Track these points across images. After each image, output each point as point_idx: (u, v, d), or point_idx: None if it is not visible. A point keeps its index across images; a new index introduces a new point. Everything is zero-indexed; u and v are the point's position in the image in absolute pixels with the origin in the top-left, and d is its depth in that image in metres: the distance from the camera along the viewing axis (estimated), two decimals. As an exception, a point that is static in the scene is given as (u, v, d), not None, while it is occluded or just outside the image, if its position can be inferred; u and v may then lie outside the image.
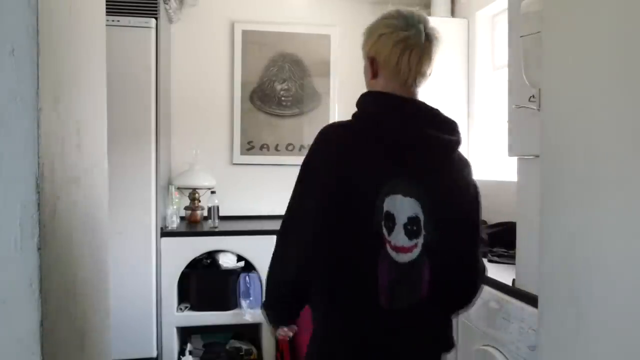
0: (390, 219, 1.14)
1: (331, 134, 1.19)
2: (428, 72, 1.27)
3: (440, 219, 1.18)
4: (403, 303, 1.15)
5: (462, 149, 1.30)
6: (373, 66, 1.24)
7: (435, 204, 1.18)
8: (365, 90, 1.26)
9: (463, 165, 1.28)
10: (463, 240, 1.23)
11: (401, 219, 1.15)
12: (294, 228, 1.19)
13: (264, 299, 1.32)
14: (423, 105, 1.26)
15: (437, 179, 1.20)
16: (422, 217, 1.16)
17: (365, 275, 1.13)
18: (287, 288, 1.22)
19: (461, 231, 1.23)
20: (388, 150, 1.17)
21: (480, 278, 1.30)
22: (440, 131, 1.22)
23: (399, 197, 1.15)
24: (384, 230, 1.13)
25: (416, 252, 1.15)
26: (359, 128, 1.19)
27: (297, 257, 1.18)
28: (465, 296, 1.30)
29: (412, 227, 1.15)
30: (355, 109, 1.24)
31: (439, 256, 1.17)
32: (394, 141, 1.17)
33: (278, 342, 2.99)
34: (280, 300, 1.26)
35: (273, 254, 1.23)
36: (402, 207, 1.15)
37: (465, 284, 1.28)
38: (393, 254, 1.13)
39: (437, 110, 1.26)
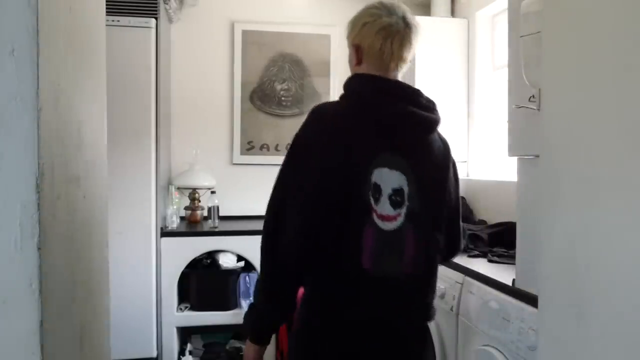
0: (377, 189, 1.23)
1: (324, 112, 1.28)
2: (409, 57, 1.35)
3: (422, 191, 1.28)
4: (386, 269, 1.23)
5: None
6: (358, 53, 1.33)
7: (418, 177, 1.28)
8: None
9: (442, 142, 1.39)
10: (443, 210, 1.35)
11: (386, 190, 1.24)
12: (293, 200, 1.23)
13: (259, 286, 1.29)
14: (406, 86, 1.33)
15: (420, 153, 1.31)
16: (406, 189, 1.26)
17: (352, 240, 1.21)
18: (292, 258, 1.23)
19: (442, 202, 1.35)
20: (376, 126, 1.26)
21: (461, 241, 1.48)
22: (422, 109, 1.31)
23: (386, 170, 1.25)
24: (371, 200, 1.22)
25: (400, 220, 1.25)
26: (349, 107, 1.29)
27: (301, 227, 1.21)
28: (449, 256, 1.49)
29: (396, 198, 1.25)
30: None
31: (421, 224, 1.28)
32: (381, 118, 1.26)
33: (278, 343, 2.99)
34: (284, 278, 1.25)
35: (269, 232, 1.25)
36: (388, 179, 1.25)
37: (449, 247, 1.42)
38: (379, 221, 1.23)
39: (418, 90, 1.34)
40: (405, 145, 1.29)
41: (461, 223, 1.47)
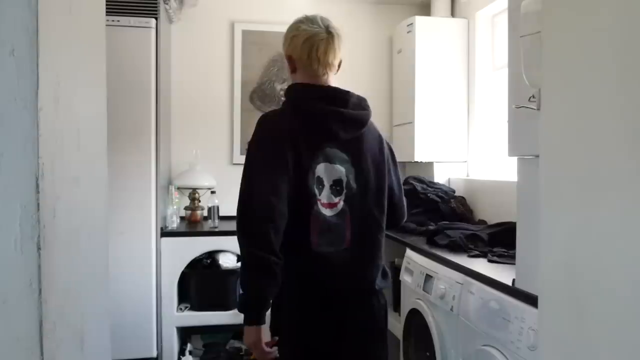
0: (320, 182, 1.48)
1: (274, 119, 1.50)
2: (336, 62, 1.55)
3: (360, 178, 1.53)
4: (330, 246, 1.47)
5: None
6: (291, 63, 1.55)
7: (356, 166, 1.53)
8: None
9: (376, 134, 1.62)
10: (384, 190, 1.59)
11: (328, 182, 1.49)
12: (261, 189, 1.41)
13: (247, 261, 1.42)
14: (337, 90, 1.55)
15: (355, 146, 1.54)
16: (344, 179, 1.51)
17: (302, 224, 1.45)
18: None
19: (381, 184, 1.58)
20: (315, 128, 1.49)
21: (405, 212, 1.75)
22: (353, 109, 1.53)
23: (327, 164, 1.49)
24: (316, 191, 1.47)
25: (340, 206, 1.50)
26: (290, 113, 1.50)
27: (275, 211, 1.40)
28: (394, 225, 1.72)
29: (336, 187, 1.50)
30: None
31: (358, 207, 1.52)
32: (319, 121, 1.49)
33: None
34: (266, 248, 1.38)
35: (246, 210, 1.42)
36: (329, 172, 1.49)
37: (394, 217, 1.67)
38: (322, 209, 1.48)
39: (347, 92, 1.54)
40: (341, 140, 1.51)
41: (404, 197, 1.74)
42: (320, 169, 1.47)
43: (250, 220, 1.41)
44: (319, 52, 1.50)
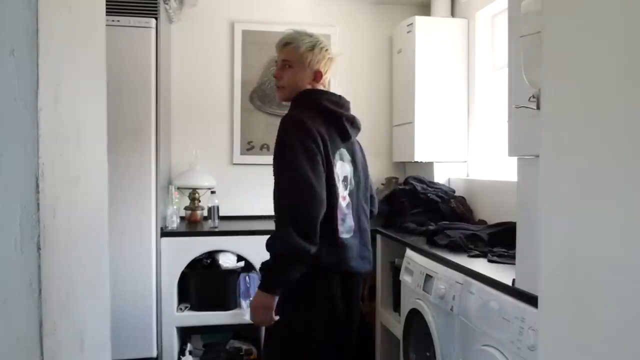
0: (336, 178, 1.71)
1: (303, 119, 1.68)
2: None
3: (357, 175, 1.83)
4: (347, 235, 1.75)
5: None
6: (317, 76, 1.79)
7: (355, 165, 1.83)
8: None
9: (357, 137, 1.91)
10: (369, 187, 1.93)
11: (341, 178, 1.75)
12: (310, 181, 1.59)
13: (289, 241, 1.56)
14: (342, 97, 1.83)
15: (354, 148, 1.86)
16: (349, 176, 1.80)
17: (331, 215, 1.68)
18: (315, 224, 1.60)
19: (367, 181, 1.91)
20: (335, 129, 1.75)
21: (377, 206, 2.04)
22: (350, 113, 1.83)
23: (341, 162, 1.76)
24: (337, 185, 1.71)
25: (347, 199, 1.78)
26: (316, 115, 1.72)
27: (321, 203, 1.61)
28: (372, 217, 1.98)
29: (345, 183, 1.78)
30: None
31: (356, 200, 1.82)
32: (339, 123, 1.76)
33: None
34: (310, 236, 1.58)
35: (298, 201, 1.60)
36: (342, 169, 1.76)
37: (371, 207, 1.96)
38: (340, 201, 1.73)
39: (345, 98, 1.84)
40: (349, 142, 1.81)
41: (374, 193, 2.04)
42: (338, 166, 1.73)
43: (302, 210, 1.58)
44: (330, 68, 1.83)
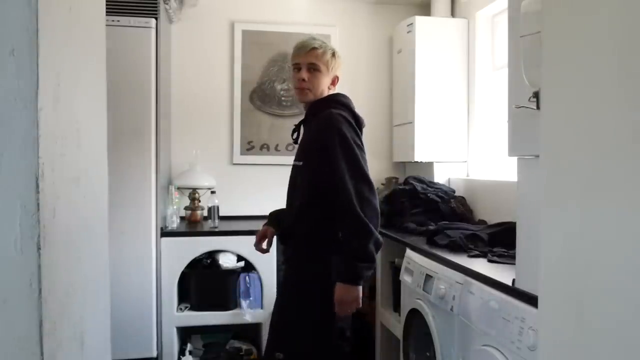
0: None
1: (351, 121, 1.82)
2: None
3: None
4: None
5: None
6: (334, 80, 1.93)
7: None
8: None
9: None
10: None
11: None
12: (369, 178, 1.77)
13: (372, 239, 1.69)
14: None
15: None
16: None
17: None
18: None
19: None
20: (361, 128, 1.88)
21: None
22: None
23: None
24: None
25: None
26: (351, 115, 1.85)
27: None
28: None
29: None
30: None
31: None
32: (360, 127, 1.87)
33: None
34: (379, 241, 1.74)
35: (371, 201, 1.73)
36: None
37: None
38: None
39: None
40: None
41: None
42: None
43: (371, 204, 1.72)
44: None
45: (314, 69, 1.86)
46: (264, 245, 1.99)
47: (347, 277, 1.72)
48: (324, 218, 1.81)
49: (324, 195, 1.78)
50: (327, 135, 1.77)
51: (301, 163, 1.87)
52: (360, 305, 1.77)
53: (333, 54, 1.89)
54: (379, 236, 1.73)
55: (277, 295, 2.07)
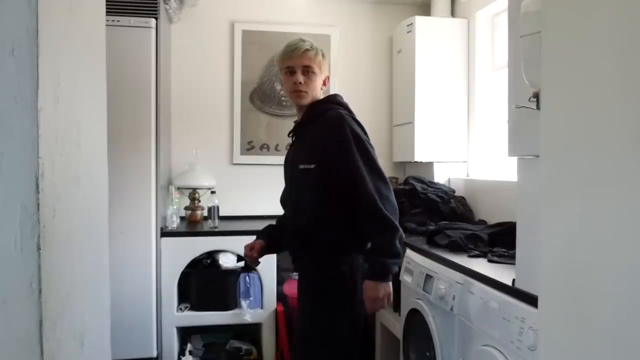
0: None
1: (352, 118, 1.82)
2: None
3: None
4: None
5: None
6: (325, 81, 1.91)
7: None
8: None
9: None
10: None
11: None
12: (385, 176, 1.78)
13: (398, 236, 1.73)
14: None
15: None
16: None
17: None
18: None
19: None
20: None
21: None
22: None
23: None
24: None
25: None
26: (351, 113, 1.87)
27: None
28: None
29: None
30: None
31: None
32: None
33: (278, 343, 2.98)
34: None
35: (389, 198, 1.75)
36: None
37: None
38: None
39: None
40: None
41: None
42: None
43: (393, 201, 1.75)
44: None
45: (309, 71, 1.82)
46: (254, 253, 1.98)
47: (377, 273, 1.71)
48: (345, 220, 1.77)
49: (342, 197, 1.74)
50: (340, 136, 1.73)
51: (312, 166, 1.77)
52: (392, 301, 1.78)
53: (323, 55, 1.88)
54: (402, 231, 1.75)
55: (299, 306, 1.94)
